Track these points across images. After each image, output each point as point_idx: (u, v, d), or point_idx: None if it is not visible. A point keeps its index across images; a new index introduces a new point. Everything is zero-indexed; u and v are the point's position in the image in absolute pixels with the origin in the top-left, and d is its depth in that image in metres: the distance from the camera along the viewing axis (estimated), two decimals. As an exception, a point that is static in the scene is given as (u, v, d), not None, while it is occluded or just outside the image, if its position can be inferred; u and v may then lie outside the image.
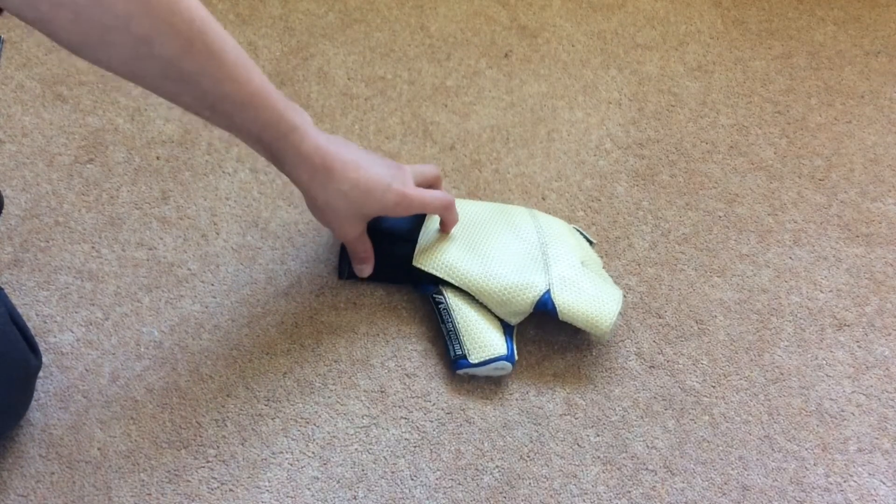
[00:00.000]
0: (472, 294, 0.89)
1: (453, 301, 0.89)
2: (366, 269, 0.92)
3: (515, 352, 0.88)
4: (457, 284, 0.89)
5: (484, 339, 0.87)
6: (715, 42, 1.29)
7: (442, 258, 0.90)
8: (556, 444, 0.86)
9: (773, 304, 0.99)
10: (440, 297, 0.90)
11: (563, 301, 0.86)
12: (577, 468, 0.85)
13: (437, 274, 0.89)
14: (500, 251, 0.90)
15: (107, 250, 0.97)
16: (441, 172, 0.93)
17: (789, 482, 0.85)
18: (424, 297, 0.93)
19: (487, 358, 0.86)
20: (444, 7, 1.29)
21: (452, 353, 0.87)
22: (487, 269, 0.88)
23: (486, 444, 0.86)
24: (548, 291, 0.87)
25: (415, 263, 0.91)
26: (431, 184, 0.92)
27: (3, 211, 0.98)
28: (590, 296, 0.87)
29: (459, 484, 0.83)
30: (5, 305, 0.76)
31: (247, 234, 0.99)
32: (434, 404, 0.88)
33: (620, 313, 0.94)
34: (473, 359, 0.86)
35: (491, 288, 0.87)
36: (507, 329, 0.89)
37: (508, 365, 0.87)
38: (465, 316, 0.88)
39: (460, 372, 0.88)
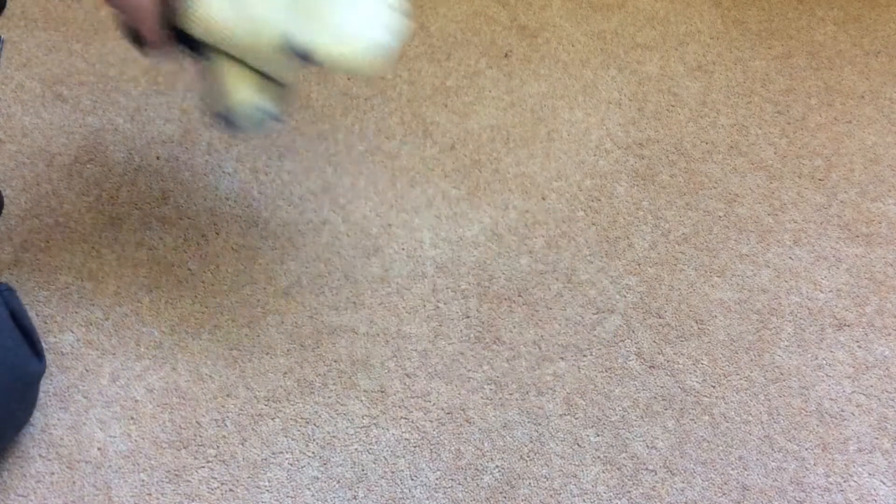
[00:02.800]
0: (233, 53, 0.84)
1: (222, 59, 0.84)
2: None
3: (284, 114, 0.82)
4: (215, 42, 0.83)
5: (243, 95, 0.84)
6: (715, 42, 1.29)
7: (202, 12, 0.82)
8: (556, 444, 0.86)
9: (773, 304, 0.99)
10: (208, 54, 0.85)
11: (306, 36, 0.80)
12: (577, 468, 0.85)
13: (197, 33, 0.82)
14: None
15: (107, 250, 0.97)
16: None
17: (789, 482, 0.85)
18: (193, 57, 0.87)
19: (247, 110, 0.84)
20: (444, 7, 1.29)
21: (215, 110, 0.85)
22: (238, 13, 0.82)
23: (486, 444, 0.86)
24: (289, 33, 0.81)
25: (181, 25, 0.83)
26: None
27: (3, 211, 0.98)
28: (335, 24, 0.81)
29: (459, 484, 0.83)
30: (9, 307, 0.75)
31: (247, 234, 0.99)
32: (434, 404, 0.88)
33: (392, 46, 0.85)
34: (235, 113, 0.83)
35: (238, 35, 0.82)
36: (277, 90, 0.86)
37: (273, 122, 0.84)
38: (230, 72, 0.84)
39: (224, 131, 0.82)
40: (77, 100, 1.10)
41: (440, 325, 0.93)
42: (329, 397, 0.87)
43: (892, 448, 0.88)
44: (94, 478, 0.81)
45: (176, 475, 0.81)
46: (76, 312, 0.91)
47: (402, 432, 0.86)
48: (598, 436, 0.87)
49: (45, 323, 0.90)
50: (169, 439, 0.83)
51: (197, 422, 0.85)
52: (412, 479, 0.83)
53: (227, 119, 0.84)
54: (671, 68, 1.25)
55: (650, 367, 0.92)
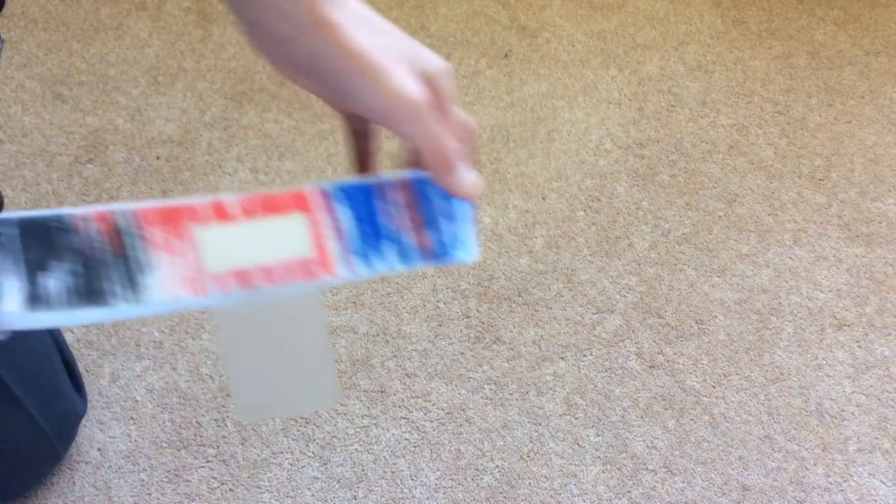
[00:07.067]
0: None
1: None
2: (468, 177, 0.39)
3: None
4: None
5: None
6: (715, 42, 1.29)
7: None
8: (556, 444, 0.86)
9: (773, 304, 0.99)
10: None
11: None
12: (577, 468, 0.85)
13: None
14: None
15: (107, 250, 0.97)
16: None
17: (789, 482, 0.85)
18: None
19: None
20: (444, 7, 1.29)
21: None
22: None
23: (486, 444, 0.86)
24: None
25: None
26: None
27: (3, 211, 0.98)
28: None
29: (459, 484, 0.83)
30: (61, 351, 0.75)
31: (247, 234, 0.99)
32: (434, 404, 0.88)
33: None
34: None
35: None
36: None
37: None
38: None
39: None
40: (77, 100, 1.10)
41: (440, 325, 0.94)
42: (329, 397, 0.87)
43: (892, 448, 0.88)
44: (94, 478, 0.81)
45: (176, 475, 0.81)
46: (76, 312, 0.91)
47: (402, 432, 0.86)
48: (598, 436, 0.87)
49: (45, 323, 0.90)
50: (169, 439, 0.83)
51: (197, 422, 0.85)
52: (412, 479, 0.83)
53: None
54: (671, 68, 1.25)
55: (650, 367, 0.92)
